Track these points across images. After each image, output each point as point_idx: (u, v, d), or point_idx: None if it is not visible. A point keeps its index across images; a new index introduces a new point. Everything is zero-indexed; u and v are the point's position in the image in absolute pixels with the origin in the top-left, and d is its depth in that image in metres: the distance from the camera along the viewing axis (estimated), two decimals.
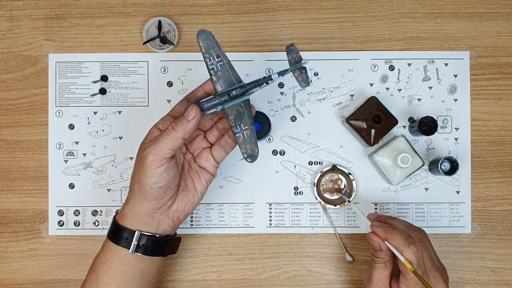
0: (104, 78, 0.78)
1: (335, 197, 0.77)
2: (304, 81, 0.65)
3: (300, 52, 0.78)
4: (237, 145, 0.65)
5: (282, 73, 0.64)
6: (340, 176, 0.77)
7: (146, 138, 0.65)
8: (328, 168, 0.77)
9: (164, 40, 0.78)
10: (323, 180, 0.77)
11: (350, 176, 0.76)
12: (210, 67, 0.63)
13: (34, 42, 0.79)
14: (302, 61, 0.64)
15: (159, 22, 0.78)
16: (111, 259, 0.64)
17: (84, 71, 0.79)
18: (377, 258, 0.66)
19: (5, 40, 0.79)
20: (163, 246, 0.65)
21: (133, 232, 0.63)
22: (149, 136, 0.65)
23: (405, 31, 0.78)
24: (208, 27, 0.78)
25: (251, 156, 0.64)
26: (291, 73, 0.64)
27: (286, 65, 0.78)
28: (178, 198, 0.65)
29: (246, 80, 0.78)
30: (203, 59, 0.63)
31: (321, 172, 0.76)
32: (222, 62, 0.63)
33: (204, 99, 0.63)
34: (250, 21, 0.79)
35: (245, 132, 0.63)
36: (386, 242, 0.64)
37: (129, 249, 0.63)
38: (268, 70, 0.78)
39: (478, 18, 0.78)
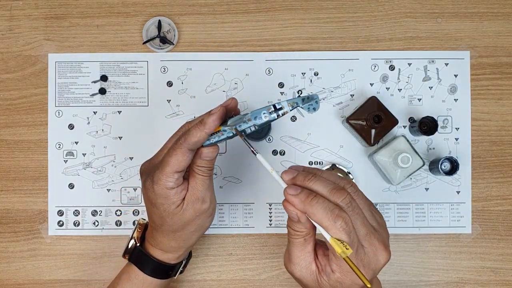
0: (103, 78, 0.78)
1: None
2: (314, 107, 0.58)
3: (300, 52, 0.79)
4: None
5: (290, 101, 0.57)
6: (340, 175, 0.77)
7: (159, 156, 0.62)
8: (328, 167, 0.76)
9: (164, 40, 0.77)
10: None
11: (350, 175, 0.76)
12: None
13: (33, 42, 0.79)
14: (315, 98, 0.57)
15: (159, 22, 0.77)
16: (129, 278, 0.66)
17: (83, 71, 0.78)
18: (295, 232, 0.53)
19: (5, 40, 0.79)
20: (178, 268, 0.68)
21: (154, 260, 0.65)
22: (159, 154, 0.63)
23: (406, 31, 0.78)
24: (208, 27, 0.78)
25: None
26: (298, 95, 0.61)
27: (286, 65, 0.78)
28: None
29: (246, 80, 0.78)
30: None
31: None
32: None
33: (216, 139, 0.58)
34: (250, 21, 0.79)
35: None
36: (306, 216, 0.51)
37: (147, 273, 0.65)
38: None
39: (478, 18, 0.78)
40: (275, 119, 0.57)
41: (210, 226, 0.77)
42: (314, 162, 0.78)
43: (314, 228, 0.53)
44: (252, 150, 0.56)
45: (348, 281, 0.51)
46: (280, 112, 0.56)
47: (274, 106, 0.56)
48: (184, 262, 0.69)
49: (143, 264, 0.65)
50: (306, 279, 0.54)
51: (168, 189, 0.58)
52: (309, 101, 0.56)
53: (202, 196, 0.60)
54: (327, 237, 0.50)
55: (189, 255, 0.71)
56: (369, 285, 0.49)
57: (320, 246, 0.55)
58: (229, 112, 0.59)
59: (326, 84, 0.78)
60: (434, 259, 0.77)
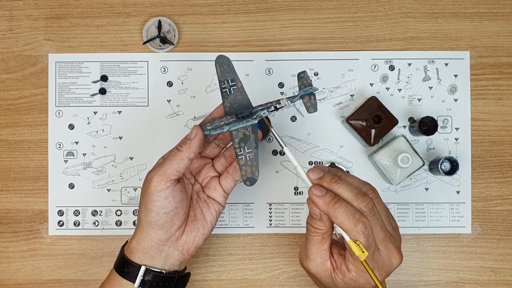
0: (104, 78, 0.78)
1: None
2: (313, 107, 0.63)
3: (300, 52, 0.79)
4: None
5: (291, 99, 0.63)
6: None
7: (154, 166, 0.64)
8: (327, 165, 0.76)
9: (164, 40, 0.77)
10: None
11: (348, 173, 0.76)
12: (223, 90, 0.64)
13: (34, 42, 0.79)
14: (312, 88, 0.62)
15: (159, 22, 0.77)
16: None
17: (84, 71, 0.79)
18: (314, 229, 0.56)
19: (5, 40, 0.79)
20: (169, 282, 0.63)
21: (139, 267, 0.62)
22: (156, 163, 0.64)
23: (405, 31, 0.78)
24: (208, 27, 0.78)
25: (250, 179, 0.62)
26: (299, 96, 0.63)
27: (286, 65, 0.78)
28: (188, 229, 0.64)
29: (246, 80, 0.78)
30: (218, 83, 0.64)
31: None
32: (235, 87, 0.64)
33: (208, 121, 0.63)
34: (250, 21, 0.79)
35: (248, 155, 0.62)
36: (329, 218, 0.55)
37: (134, 283, 0.62)
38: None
39: (478, 18, 0.78)
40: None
41: None
42: (314, 162, 0.78)
43: (332, 227, 0.56)
44: (280, 143, 0.60)
45: (362, 280, 0.55)
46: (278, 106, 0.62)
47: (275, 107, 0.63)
48: (176, 277, 0.64)
49: (133, 274, 0.62)
50: (320, 275, 0.57)
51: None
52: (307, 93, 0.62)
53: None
54: (347, 238, 0.53)
55: (186, 275, 0.67)
56: (380, 287, 0.53)
57: (336, 246, 0.58)
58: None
59: (326, 84, 0.78)
60: (434, 259, 0.77)
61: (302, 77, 0.63)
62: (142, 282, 0.62)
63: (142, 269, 0.62)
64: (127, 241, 0.66)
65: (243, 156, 0.62)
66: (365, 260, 0.53)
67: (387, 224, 0.56)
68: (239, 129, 0.62)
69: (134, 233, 0.64)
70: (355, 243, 0.53)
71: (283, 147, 0.59)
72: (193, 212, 0.65)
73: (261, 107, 0.63)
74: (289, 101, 0.63)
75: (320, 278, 0.58)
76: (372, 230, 0.54)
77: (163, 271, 0.63)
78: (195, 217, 0.65)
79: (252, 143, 0.63)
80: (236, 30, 0.79)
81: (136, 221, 0.65)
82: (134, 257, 0.63)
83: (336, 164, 0.77)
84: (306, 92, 0.62)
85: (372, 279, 0.53)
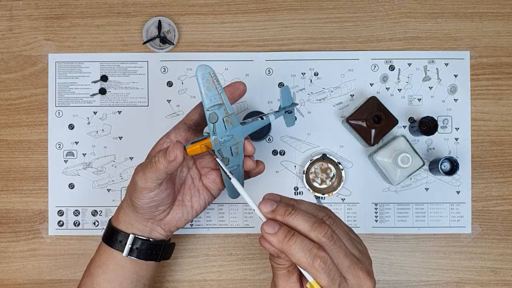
0: (104, 78, 0.78)
1: (324, 186, 0.77)
2: (289, 122, 0.65)
3: (300, 52, 0.79)
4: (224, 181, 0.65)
5: (276, 114, 0.64)
6: (330, 165, 0.77)
7: (153, 149, 0.64)
8: (318, 156, 0.76)
9: (164, 40, 0.77)
10: (313, 168, 0.77)
11: (340, 165, 0.76)
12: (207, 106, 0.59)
13: (34, 42, 0.79)
14: (291, 106, 0.64)
15: (159, 22, 0.77)
16: (106, 262, 0.64)
17: (84, 71, 0.79)
18: (277, 265, 0.53)
19: (5, 40, 0.79)
20: (157, 250, 0.65)
21: (127, 235, 0.63)
22: (157, 147, 0.63)
23: (405, 31, 0.78)
24: (208, 27, 0.78)
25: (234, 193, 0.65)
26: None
27: (286, 65, 0.78)
28: (172, 212, 0.64)
29: (246, 80, 0.78)
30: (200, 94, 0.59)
31: (310, 160, 0.76)
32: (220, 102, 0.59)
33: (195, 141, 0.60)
34: (250, 21, 0.79)
35: (230, 170, 0.62)
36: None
37: (123, 252, 0.63)
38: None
39: (478, 18, 0.78)
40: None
41: (210, 226, 0.78)
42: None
43: None
44: (227, 175, 0.57)
45: None
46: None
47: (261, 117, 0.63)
48: (163, 245, 0.65)
49: (121, 243, 0.63)
50: None
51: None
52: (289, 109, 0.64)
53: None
54: (309, 278, 0.50)
55: (171, 244, 0.68)
56: None
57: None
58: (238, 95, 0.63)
59: (326, 84, 0.78)
60: (434, 259, 0.77)
61: (284, 91, 0.64)
62: (131, 250, 0.63)
63: (131, 237, 0.63)
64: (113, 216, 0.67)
65: (226, 171, 0.61)
66: None
67: (351, 248, 0.52)
68: (226, 145, 0.60)
69: (121, 206, 0.65)
70: (317, 283, 0.49)
71: (230, 178, 0.57)
72: (182, 197, 0.65)
73: (249, 120, 0.62)
74: (275, 116, 0.64)
75: None
76: (334, 261, 0.50)
77: (150, 238, 0.64)
78: (183, 202, 0.65)
79: (236, 159, 0.62)
80: (236, 30, 0.79)
81: None
82: (121, 226, 0.64)
83: (327, 155, 0.76)
84: (287, 108, 0.64)
85: None
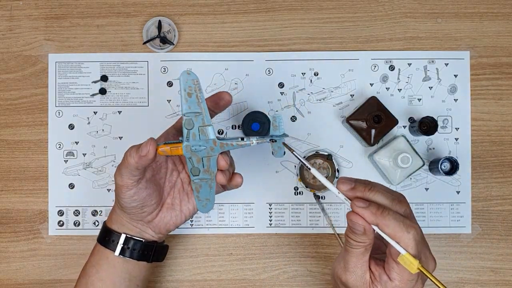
0: (104, 78, 0.78)
1: (318, 182, 0.77)
2: (277, 153, 0.62)
3: (300, 52, 0.79)
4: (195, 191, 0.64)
5: (260, 141, 0.60)
6: (320, 160, 0.77)
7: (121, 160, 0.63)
8: (311, 154, 0.76)
9: (164, 40, 0.77)
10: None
11: (333, 160, 0.76)
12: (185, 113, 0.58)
13: (34, 42, 0.79)
14: (280, 137, 0.60)
15: (159, 22, 0.77)
16: (100, 261, 0.65)
17: (84, 71, 0.79)
18: (357, 243, 0.53)
19: (5, 40, 0.79)
20: (148, 251, 0.65)
21: (119, 235, 0.64)
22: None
23: (405, 31, 0.78)
24: (208, 27, 0.78)
25: (206, 208, 0.65)
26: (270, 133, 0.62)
27: (286, 65, 0.78)
28: (161, 214, 0.64)
29: (246, 80, 0.78)
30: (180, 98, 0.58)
31: (304, 157, 0.76)
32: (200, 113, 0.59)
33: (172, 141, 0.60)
34: (250, 21, 0.79)
35: (199, 180, 0.61)
36: (377, 228, 0.51)
37: (115, 251, 0.64)
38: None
39: (478, 18, 0.78)
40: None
41: (210, 226, 0.78)
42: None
43: (374, 238, 0.53)
44: (307, 166, 0.57)
45: None
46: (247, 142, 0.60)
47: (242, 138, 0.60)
48: (154, 246, 0.66)
49: (114, 243, 0.64)
50: None
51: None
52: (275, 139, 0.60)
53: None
54: (402, 251, 0.50)
55: (164, 247, 0.68)
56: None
57: (376, 261, 0.55)
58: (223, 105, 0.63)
59: (326, 84, 0.78)
60: None
61: (275, 121, 0.61)
62: (123, 249, 0.64)
63: (122, 236, 0.64)
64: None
65: (199, 183, 0.61)
66: (426, 269, 0.50)
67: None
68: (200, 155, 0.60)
69: (113, 207, 0.66)
70: (409, 254, 0.50)
71: (310, 169, 0.56)
72: (171, 201, 0.65)
73: (226, 141, 0.60)
74: (257, 143, 0.60)
75: None
76: None
77: (142, 239, 0.64)
78: (172, 205, 0.65)
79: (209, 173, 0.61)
80: (236, 30, 0.79)
81: None
82: (114, 227, 0.65)
83: (319, 152, 0.76)
84: (274, 138, 0.61)
85: (437, 286, 0.51)
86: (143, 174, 0.61)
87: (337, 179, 0.77)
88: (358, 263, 0.54)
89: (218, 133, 0.78)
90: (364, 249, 0.53)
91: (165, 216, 0.65)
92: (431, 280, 0.50)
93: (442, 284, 0.50)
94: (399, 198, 0.53)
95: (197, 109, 0.57)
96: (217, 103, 0.63)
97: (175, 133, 0.64)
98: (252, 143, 0.60)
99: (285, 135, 0.61)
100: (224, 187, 0.65)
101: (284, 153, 0.62)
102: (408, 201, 0.77)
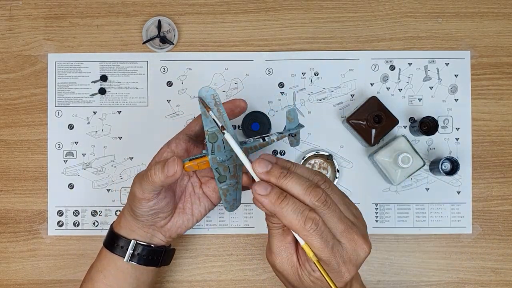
0: (103, 78, 0.78)
1: None
2: (293, 143, 0.61)
3: (301, 52, 0.78)
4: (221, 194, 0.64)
5: (279, 136, 0.60)
6: (321, 160, 0.77)
7: (154, 159, 0.63)
8: (311, 154, 0.76)
9: (164, 40, 0.77)
10: (307, 165, 0.77)
11: (334, 160, 0.76)
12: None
13: (33, 42, 0.79)
14: (299, 126, 0.60)
15: (159, 21, 0.77)
16: (107, 267, 0.64)
17: (83, 71, 0.78)
18: (272, 224, 0.52)
19: (5, 40, 0.79)
20: (157, 256, 0.65)
21: (129, 241, 0.63)
22: (157, 157, 0.63)
23: (406, 30, 0.78)
24: (208, 26, 0.78)
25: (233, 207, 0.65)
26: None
27: (286, 65, 0.78)
28: (173, 219, 0.64)
29: (246, 80, 0.78)
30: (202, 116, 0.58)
31: (303, 158, 0.76)
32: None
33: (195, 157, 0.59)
34: (250, 20, 0.78)
35: (227, 187, 0.62)
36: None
37: (124, 257, 0.63)
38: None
39: (479, 17, 0.78)
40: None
41: (210, 227, 0.78)
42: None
43: None
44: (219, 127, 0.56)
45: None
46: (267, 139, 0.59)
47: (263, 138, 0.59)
48: (163, 251, 0.66)
49: (123, 249, 0.64)
50: (287, 271, 0.53)
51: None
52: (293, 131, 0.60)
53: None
54: (300, 241, 0.49)
55: (171, 250, 0.68)
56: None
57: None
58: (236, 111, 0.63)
59: (326, 84, 0.78)
60: (435, 259, 0.77)
61: (290, 114, 0.60)
62: (132, 255, 0.63)
63: (132, 242, 0.63)
64: (114, 221, 0.67)
65: (227, 187, 0.61)
66: (318, 262, 0.49)
67: (346, 213, 0.52)
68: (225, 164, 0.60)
69: (122, 213, 0.65)
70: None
71: (224, 133, 0.55)
72: (183, 205, 0.65)
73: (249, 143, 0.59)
74: (277, 139, 0.60)
75: (287, 275, 0.53)
76: (328, 225, 0.50)
77: (151, 244, 0.64)
78: (183, 210, 0.65)
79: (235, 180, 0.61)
80: (236, 30, 0.78)
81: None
82: (123, 232, 0.64)
83: (320, 152, 0.76)
84: (292, 131, 0.60)
85: (327, 281, 0.49)
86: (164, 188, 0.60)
87: (337, 179, 0.76)
88: (281, 245, 0.53)
89: None
90: (282, 230, 0.52)
91: (177, 221, 0.64)
92: (322, 274, 0.49)
93: (332, 281, 0.49)
94: (315, 184, 0.51)
95: (219, 123, 0.56)
96: (232, 110, 0.63)
97: (187, 139, 0.63)
98: (273, 141, 0.59)
99: (300, 125, 0.60)
100: (247, 187, 0.63)
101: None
102: (408, 201, 0.77)
